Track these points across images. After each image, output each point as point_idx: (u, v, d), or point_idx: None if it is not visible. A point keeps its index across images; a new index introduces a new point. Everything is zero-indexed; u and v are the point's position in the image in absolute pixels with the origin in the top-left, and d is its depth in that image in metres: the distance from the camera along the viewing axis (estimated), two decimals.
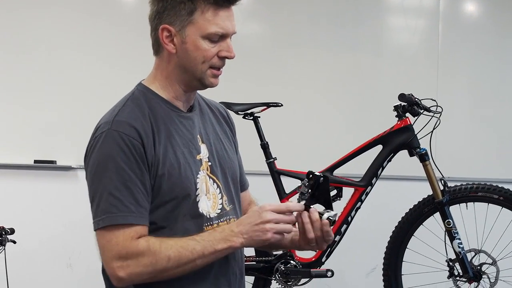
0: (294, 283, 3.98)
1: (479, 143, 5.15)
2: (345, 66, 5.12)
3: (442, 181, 3.90)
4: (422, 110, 3.97)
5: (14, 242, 3.63)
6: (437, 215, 3.94)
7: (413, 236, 4.04)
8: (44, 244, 4.85)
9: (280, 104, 4.17)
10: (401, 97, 3.94)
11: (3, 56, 4.89)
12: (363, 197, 4.00)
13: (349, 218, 4.00)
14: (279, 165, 4.13)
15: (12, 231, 3.64)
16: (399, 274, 4.06)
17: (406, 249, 4.05)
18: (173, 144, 2.01)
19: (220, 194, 2.09)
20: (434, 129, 3.94)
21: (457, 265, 3.89)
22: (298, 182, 3.79)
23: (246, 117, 4.13)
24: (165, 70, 2.06)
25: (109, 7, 5.00)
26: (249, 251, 3.90)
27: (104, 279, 2.06)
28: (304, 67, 5.09)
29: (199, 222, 2.02)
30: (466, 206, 4.00)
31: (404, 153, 3.99)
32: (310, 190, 2.00)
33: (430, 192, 3.94)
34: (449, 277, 3.93)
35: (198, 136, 2.09)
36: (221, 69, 2.05)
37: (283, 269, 3.96)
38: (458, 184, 3.98)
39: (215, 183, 2.08)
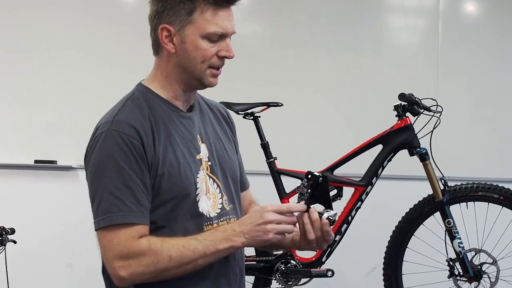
0: (295, 283, 3.98)
1: (479, 142, 5.15)
2: (345, 66, 5.12)
3: (442, 180, 3.90)
4: (422, 110, 3.97)
5: (15, 242, 3.63)
6: (438, 214, 3.94)
7: (413, 236, 4.04)
8: (44, 244, 4.85)
9: (280, 104, 4.17)
10: (401, 96, 3.94)
11: (3, 56, 4.89)
12: (363, 197, 4.00)
13: (350, 218, 4.00)
14: (279, 164, 4.14)
15: (12, 231, 3.64)
16: (399, 274, 4.07)
17: (407, 248, 4.05)
18: (172, 143, 2.01)
19: (220, 193, 2.09)
20: (434, 128, 3.94)
21: (457, 264, 3.89)
22: (298, 182, 3.79)
23: (247, 117, 4.13)
24: (164, 70, 2.06)
25: (109, 7, 5.00)
26: (250, 251, 3.90)
27: (104, 279, 2.06)
28: (304, 67, 5.09)
29: (199, 221, 2.02)
30: (467, 205, 3.99)
31: (404, 152, 3.99)
32: (309, 190, 2.00)
33: (431, 192, 3.94)
34: (449, 276, 3.93)
35: (198, 136, 2.09)
36: (220, 69, 2.05)
37: (283, 268, 3.96)
38: (458, 183, 3.98)
39: (215, 183, 2.09)
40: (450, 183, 3.94)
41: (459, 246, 3.86)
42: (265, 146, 4.14)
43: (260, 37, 5.21)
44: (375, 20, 5.18)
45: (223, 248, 1.96)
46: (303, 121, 5.05)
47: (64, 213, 4.84)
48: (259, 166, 4.19)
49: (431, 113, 3.97)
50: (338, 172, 4.04)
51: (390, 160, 4.00)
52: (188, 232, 1.97)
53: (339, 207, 3.94)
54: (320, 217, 1.99)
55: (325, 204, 2.01)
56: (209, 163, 2.09)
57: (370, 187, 4.00)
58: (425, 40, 5.20)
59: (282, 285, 3.99)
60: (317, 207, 2.01)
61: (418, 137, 3.96)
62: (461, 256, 3.86)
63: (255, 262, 4.00)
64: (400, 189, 4.93)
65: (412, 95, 3.95)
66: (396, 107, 3.97)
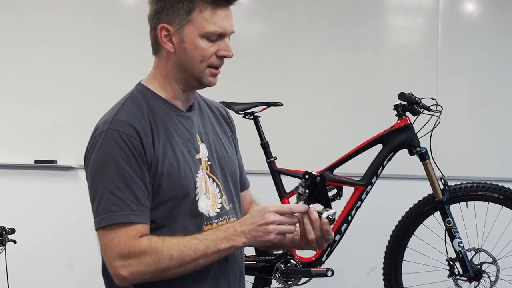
0: (294, 283, 3.98)
1: (479, 142, 5.15)
2: (345, 66, 5.12)
3: (442, 180, 3.90)
4: (422, 109, 3.97)
5: (15, 241, 3.63)
6: (437, 214, 3.95)
7: (413, 235, 4.05)
8: (45, 244, 4.85)
9: (280, 104, 4.17)
10: (401, 96, 3.94)
11: (3, 56, 4.90)
12: (363, 196, 4.00)
13: (349, 217, 4.00)
14: (279, 164, 4.14)
15: (12, 230, 3.64)
16: (399, 273, 4.07)
17: (407, 248, 4.05)
18: (172, 143, 2.01)
19: (219, 193, 2.09)
20: (434, 128, 3.94)
21: (457, 264, 3.89)
22: (298, 182, 3.79)
23: (246, 117, 4.13)
24: (164, 69, 2.06)
25: (109, 7, 5.01)
26: (250, 250, 3.90)
27: (104, 279, 2.06)
28: (304, 66, 5.09)
29: (199, 221, 2.02)
30: (466, 205, 3.99)
31: (404, 152, 3.99)
32: (307, 190, 2.00)
33: (430, 191, 3.94)
34: (449, 276, 3.93)
35: (197, 136, 2.09)
36: (219, 68, 2.05)
37: (283, 268, 3.96)
38: (458, 183, 3.99)
39: (214, 182, 2.09)
40: (450, 183, 3.94)
41: (459, 246, 3.86)
42: (265, 146, 4.14)
43: (260, 37, 5.21)
44: (375, 20, 5.18)
45: (224, 248, 1.96)
46: (303, 120, 5.05)
47: (64, 213, 4.85)
48: (259, 165, 4.19)
49: (431, 113, 3.98)
50: (338, 171, 4.04)
51: (390, 159, 4.00)
52: (187, 232, 1.97)
53: (339, 206, 3.94)
54: (320, 217, 1.99)
55: (324, 203, 2.01)
56: (209, 162, 2.09)
57: (370, 186, 4.00)
58: (425, 40, 5.20)
59: (282, 285, 3.99)
60: (316, 207, 2.01)
61: (418, 137, 3.96)
62: (461, 256, 3.86)
63: (255, 262, 4.01)
64: (400, 188, 4.93)
65: (412, 94, 3.95)
66: (396, 107, 3.97)
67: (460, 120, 5.13)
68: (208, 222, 2.03)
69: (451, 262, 3.90)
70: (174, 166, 1.99)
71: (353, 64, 5.13)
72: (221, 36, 2.01)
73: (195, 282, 2.01)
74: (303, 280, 4.02)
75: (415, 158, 3.95)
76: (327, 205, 2.01)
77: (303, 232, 2.01)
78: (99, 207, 1.94)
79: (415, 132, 3.95)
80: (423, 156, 3.93)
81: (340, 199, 3.97)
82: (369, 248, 4.82)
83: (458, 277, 3.91)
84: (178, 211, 1.99)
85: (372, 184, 4.00)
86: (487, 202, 3.98)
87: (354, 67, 5.13)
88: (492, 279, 3.93)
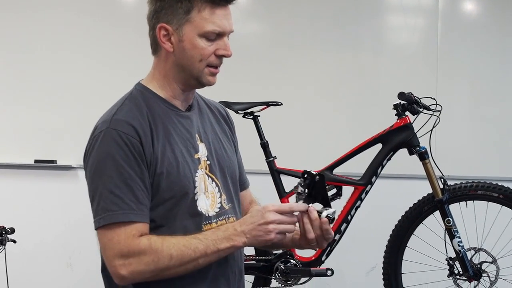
0: (294, 282, 3.99)
1: (479, 141, 5.15)
2: (345, 65, 5.12)
3: (442, 179, 3.90)
4: (422, 109, 3.97)
5: (14, 241, 3.63)
6: (437, 213, 3.95)
7: (413, 235, 4.05)
8: (44, 244, 4.85)
9: (280, 103, 4.17)
10: (401, 95, 3.94)
11: (4, 56, 4.90)
12: (363, 196, 4.00)
13: (349, 217, 4.00)
14: (279, 164, 4.14)
15: (12, 230, 3.64)
16: (399, 273, 4.07)
17: (406, 247, 4.05)
18: (171, 142, 2.01)
19: (219, 193, 2.09)
20: (433, 127, 3.94)
21: (457, 263, 3.89)
22: (297, 181, 3.79)
23: (246, 116, 4.13)
24: (163, 69, 2.06)
25: (110, 8, 5.01)
26: (249, 250, 3.90)
27: (103, 278, 2.06)
28: (304, 66, 5.09)
29: (198, 220, 2.02)
30: (466, 204, 4.00)
31: (403, 151, 3.99)
32: (307, 190, 2.00)
33: (430, 191, 3.94)
34: (449, 275, 3.93)
35: (197, 135, 2.09)
36: (218, 68, 2.05)
37: (283, 268, 3.96)
38: (458, 182, 3.98)
39: (213, 182, 2.09)
40: (449, 182, 3.94)
41: (459, 245, 3.86)
42: (264, 146, 4.14)
43: (260, 36, 5.21)
44: (375, 20, 5.19)
45: (224, 248, 1.96)
46: (303, 120, 5.05)
47: (64, 212, 4.84)
48: (258, 165, 4.19)
49: (431, 112, 3.98)
50: (337, 171, 4.04)
51: (389, 159, 4.00)
52: (187, 231, 1.97)
53: (338, 206, 3.94)
54: (319, 216, 1.99)
55: (323, 202, 2.01)
56: (208, 162, 2.09)
57: (369, 186, 4.00)
58: (424, 39, 5.20)
59: (281, 284, 3.99)
60: (315, 206, 2.01)
61: (418, 136, 3.96)
62: (460, 255, 3.86)
63: (254, 262, 4.01)
64: (399, 188, 4.93)
65: (412, 94, 3.95)
66: (396, 106, 3.98)
67: (460, 120, 5.13)
68: (207, 222, 2.03)
69: (450, 262, 3.90)
70: (173, 166, 1.99)
71: (353, 64, 5.13)
72: (220, 35, 2.01)
73: (195, 281, 2.01)
74: (303, 279, 4.02)
75: (415, 157, 3.95)
76: (326, 204, 2.01)
77: (303, 232, 2.01)
78: (98, 206, 1.94)
79: (415, 131, 3.95)
80: (423, 156, 3.92)
81: (339, 198, 3.97)
82: (368, 248, 4.82)
83: (457, 276, 3.91)
84: (177, 211, 1.99)
85: (371, 184, 4.00)
86: (486, 202, 3.98)
87: (353, 66, 5.13)
88: (492, 279, 3.93)
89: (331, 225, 2.01)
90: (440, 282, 4.10)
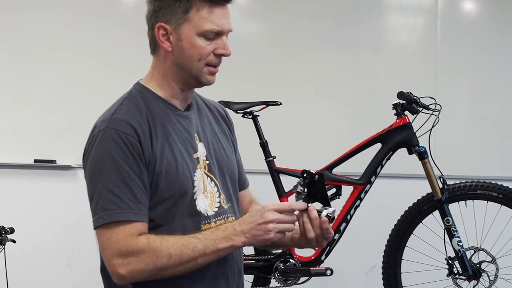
0: (293, 282, 3.99)
1: (478, 141, 5.15)
2: (344, 65, 5.12)
3: (441, 179, 3.90)
4: (421, 108, 3.97)
5: (14, 241, 3.63)
6: (436, 213, 3.94)
7: (412, 234, 4.05)
8: (44, 244, 4.85)
9: (279, 103, 4.17)
10: (400, 95, 3.94)
11: (4, 56, 4.90)
12: (362, 195, 4.00)
13: (348, 217, 4.00)
14: (278, 163, 4.14)
15: (12, 230, 3.64)
16: (398, 273, 4.07)
17: (406, 247, 4.05)
18: (170, 142, 2.01)
19: (217, 192, 2.09)
20: (433, 127, 3.94)
21: (456, 263, 3.89)
22: (297, 180, 3.79)
23: (245, 116, 4.13)
24: (161, 68, 2.06)
25: (110, 8, 5.01)
26: (248, 250, 3.90)
27: (103, 278, 2.06)
28: (303, 65, 5.09)
29: (197, 220, 2.02)
30: (465, 204, 4.00)
31: (403, 151, 3.99)
32: (306, 189, 2.00)
33: (429, 190, 3.94)
34: (448, 275, 3.93)
35: (196, 135, 2.10)
36: (217, 67, 2.05)
37: (282, 267, 3.96)
38: (457, 182, 3.98)
39: (212, 182, 2.09)
40: (449, 182, 3.94)
41: (458, 245, 3.86)
42: (264, 145, 4.14)
43: (259, 36, 5.21)
44: (374, 19, 5.19)
45: (223, 247, 1.96)
46: (302, 120, 5.05)
47: (63, 212, 4.84)
48: (258, 165, 4.19)
49: (430, 112, 3.98)
50: (337, 170, 4.04)
51: (389, 158, 4.00)
52: (186, 231, 1.97)
53: (338, 206, 3.94)
54: (319, 215, 1.99)
55: (322, 201, 2.01)
56: (207, 161, 2.09)
57: (369, 185, 4.00)
58: (424, 39, 5.20)
59: (281, 284, 3.99)
60: (315, 205, 2.01)
61: (417, 136, 3.96)
62: (460, 255, 3.86)
63: (254, 261, 4.01)
64: (399, 187, 4.93)
65: (411, 93, 3.95)
66: (395, 106, 3.97)
67: (459, 119, 5.13)
68: (206, 221, 2.03)
69: (450, 261, 3.90)
70: (172, 165, 1.99)
71: (352, 64, 5.13)
72: (218, 34, 2.02)
73: (194, 281, 2.01)
74: (302, 279, 4.02)
75: (414, 157, 3.95)
76: (326, 203, 2.01)
77: (303, 231, 2.01)
78: (97, 205, 1.94)
79: (414, 131, 3.95)
80: (422, 155, 3.92)
81: (339, 198, 3.97)
82: (368, 247, 4.82)
83: (457, 276, 3.91)
84: (176, 210, 1.99)
85: (371, 183, 4.00)
86: (486, 201, 3.98)
87: (353, 66, 5.13)
88: (491, 278, 3.93)
89: (331, 224, 2.01)
90: (439, 282, 4.10)
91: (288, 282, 3.98)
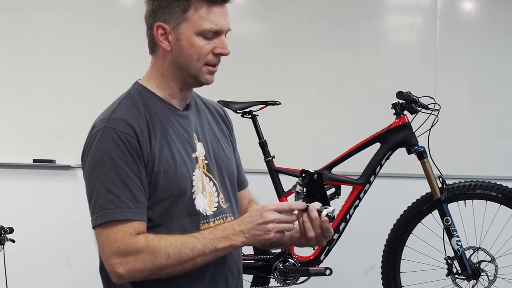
0: (293, 282, 3.99)
1: (478, 140, 5.15)
2: (343, 65, 5.12)
3: (440, 178, 3.90)
4: (420, 108, 3.97)
5: (13, 241, 3.63)
6: (436, 212, 3.94)
7: (411, 234, 4.05)
8: (43, 243, 4.85)
9: (278, 103, 4.18)
10: (399, 95, 3.94)
11: (4, 56, 4.90)
12: (361, 195, 4.00)
13: (348, 216, 4.00)
14: (278, 163, 4.14)
15: (11, 230, 3.63)
16: (397, 272, 4.07)
17: (405, 247, 4.05)
18: (169, 141, 2.01)
19: (216, 192, 2.09)
20: (432, 126, 3.94)
21: (455, 262, 3.89)
22: (296, 180, 3.79)
23: (245, 116, 4.13)
24: (160, 68, 2.06)
25: (110, 8, 5.01)
26: (248, 249, 3.90)
27: (102, 278, 2.06)
28: (302, 65, 5.09)
29: (196, 219, 2.02)
30: (465, 203, 4.00)
31: (402, 151, 3.99)
32: (305, 189, 2.00)
33: (429, 190, 3.94)
34: (447, 274, 3.93)
35: (194, 134, 2.10)
36: (216, 66, 2.05)
37: (281, 267, 3.96)
38: (457, 181, 3.98)
39: (211, 181, 2.09)
40: (448, 181, 3.94)
41: (457, 244, 3.86)
42: (263, 145, 4.14)
43: (258, 35, 5.21)
44: (373, 19, 5.19)
45: (222, 247, 1.96)
46: (301, 119, 5.05)
47: (62, 212, 4.85)
48: (257, 164, 4.19)
49: (429, 111, 3.98)
50: (336, 170, 4.04)
51: (388, 158, 4.00)
52: (184, 230, 1.97)
53: (337, 205, 3.94)
54: (319, 215, 1.99)
55: (322, 200, 2.01)
56: (206, 161, 2.09)
57: (368, 185, 4.00)
58: (423, 39, 5.20)
59: (280, 284, 3.99)
60: (314, 205, 2.01)
61: (416, 135, 3.96)
62: (459, 254, 3.86)
63: (253, 261, 4.01)
64: (398, 187, 4.93)
65: (410, 93, 3.95)
66: (394, 105, 3.98)
67: (458, 119, 5.14)
68: (205, 221, 2.03)
69: (449, 261, 3.90)
70: (170, 165, 1.99)
71: (351, 63, 5.13)
72: (217, 33, 2.02)
73: (193, 281, 2.01)
74: (302, 279, 4.02)
75: (413, 156, 3.95)
76: (325, 202, 2.01)
77: (303, 231, 2.01)
78: (95, 204, 1.94)
79: (413, 130, 3.95)
80: (421, 155, 3.92)
81: (338, 198, 3.97)
82: (367, 247, 4.82)
83: (456, 275, 3.91)
84: (175, 210, 1.99)
85: (370, 183, 4.00)
86: (485, 201, 3.98)
87: (352, 66, 5.13)
88: (491, 278, 3.93)
89: (331, 223, 2.01)
90: (438, 281, 4.10)
91: (287, 282, 3.98)
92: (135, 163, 1.94)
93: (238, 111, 4.08)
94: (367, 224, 4.74)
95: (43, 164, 4.87)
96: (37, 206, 4.87)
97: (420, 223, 4.02)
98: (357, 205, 4.01)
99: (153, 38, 2.04)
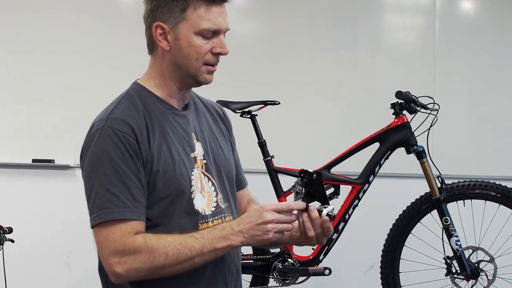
0: (292, 281, 3.99)
1: (477, 140, 5.15)
2: (343, 64, 5.12)
3: (440, 178, 3.90)
4: (419, 108, 3.97)
5: (12, 241, 3.63)
6: (435, 212, 3.94)
7: (410, 234, 4.05)
8: (42, 243, 4.85)
9: (277, 102, 4.17)
10: (398, 94, 3.94)
11: (4, 56, 4.90)
12: (360, 195, 4.00)
13: (347, 216, 4.00)
14: (277, 163, 4.14)
15: (10, 230, 3.63)
16: (396, 272, 4.07)
17: (404, 246, 4.05)
18: (167, 141, 2.01)
19: (215, 192, 2.09)
20: (431, 126, 3.94)
21: (454, 262, 3.89)
22: (295, 180, 3.79)
23: (244, 115, 4.13)
24: (159, 68, 2.06)
25: (109, 8, 5.01)
26: (247, 249, 3.90)
27: (101, 277, 2.06)
28: (301, 65, 5.09)
29: (194, 219, 2.02)
30: (464, 203, 4.00)
31: (401, 150, 3.99)
32: (304, 189, 2.00)
33: (428, 190, 3.94)
34: (446, 274, 3.93)
35: (193, 134, 2.10)
36: (215, 66, 2.05)
37: (280, 267, 3.96)
38: (456, 181, 3.98)
39: (210, 181, 2.09)
40: (447, 181, 3.94)
41: (456, 244, 3.86)
42: (262, 145, 4.14)
43: (258, 35, 5.21)
44: (372, 19, 5.19)
45: (221, 247, 1.96)
46: (300, 119, 5.05)
47: (61, 212, 4.84)
48: (256, 164, 4.19)
49: (428, 111, 3.98)
50: (335, 170, 4.04)
51: (387, 158, 4.00)
52: (183, 230, 1.97)
53: (336, 205, 3.94)
54: (320, 214, 1.99)
55: (321, 200, 2.01)
56: (204, 161, 2.09)
57: (367, 185, 4.00)
58: (422, 38, 5.20)
59: (279, 284, 3.99)
60: (313, 204, 2.01)
61: (415, 135, 3.96)
62: (458, 254, 3.86)
63: (252, 261, 4.01)
64: (397, 187, 4.93)
65: (409, 93, 3.95)
66: (393, 105, 3.98)
67: (457, 119, 5.14)
68: (204, 220, 2.03)
69: (448, 261, 3.90)
70: (169, 164, 1.99)
71: (351, 63, 5.13)
72: (215, 33, 2.02)
73: (192, 281, 2.01)
74: (301, 278, 4.02)
75: (412, 156, 3.95)
76: (324, 202, 2.01)
77: (303, 230, 2.01)
78: (94, 204, 1.94)
79: (412, 130, 3.95)
80: (420, 155, 3.92)
81: (337, 197, 3.97)
82: (366, 247, 4.82)
83: (455, 275, 3.91)
84: (174, 209, 1.99)
85: (369, 183, 4.00)
86: (484, 201, 3.98)
87: (351, 66, 5.13)
88: (490, 278, 3.93)
89: (331, 222, 2.02)
90: (437, 281, 4.10)
91: (286, 281, 3.98)
92: (133, 162, 1.94)
93: (237, 111, 4.08)
94: (366, 224, 4.74)
95: (42, 164, 4.87)
96: (36, 206, 4.86)
97: (419, 223, 4.03)
98: (356, 205, 4.01)
99: (152, 37, 2.04)
